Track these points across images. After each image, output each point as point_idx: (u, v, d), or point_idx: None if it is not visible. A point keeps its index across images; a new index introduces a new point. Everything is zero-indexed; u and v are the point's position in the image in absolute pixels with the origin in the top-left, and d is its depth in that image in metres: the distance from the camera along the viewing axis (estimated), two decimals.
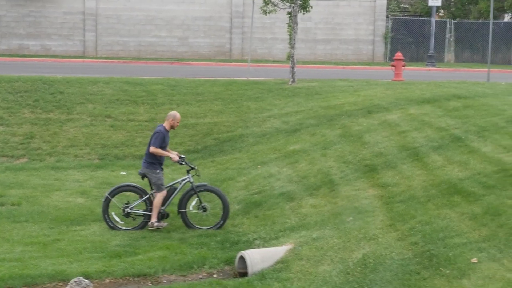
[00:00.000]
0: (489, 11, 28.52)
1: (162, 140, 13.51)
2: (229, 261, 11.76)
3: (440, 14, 51.26)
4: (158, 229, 13.52)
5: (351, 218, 12.11)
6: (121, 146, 20.53)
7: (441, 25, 43.63)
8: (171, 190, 13.89)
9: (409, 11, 54.34)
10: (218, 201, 13.95)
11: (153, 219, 13.55)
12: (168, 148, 13.94)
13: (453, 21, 44.60)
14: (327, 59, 42.38)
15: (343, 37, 42.94)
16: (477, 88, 22.01)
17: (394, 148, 15.54)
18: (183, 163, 13.88)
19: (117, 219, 13.82)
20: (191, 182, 13.89)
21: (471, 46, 44.21)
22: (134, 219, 13.86)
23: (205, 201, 14.04)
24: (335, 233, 11.58)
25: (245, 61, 33.30)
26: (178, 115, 13.87)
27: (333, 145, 17.01)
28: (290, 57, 25.78)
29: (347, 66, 38.61)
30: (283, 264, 11.02)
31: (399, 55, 27.79)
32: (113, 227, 13.68)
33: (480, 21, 44.73)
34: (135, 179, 15.44)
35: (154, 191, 13.76)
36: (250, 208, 14.51)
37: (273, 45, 42.13)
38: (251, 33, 30.65)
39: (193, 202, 13.93)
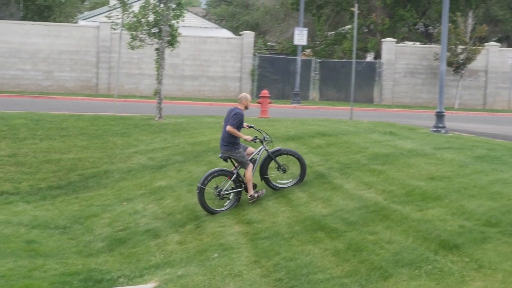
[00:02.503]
0: (352, 51, 29.36)
1: (241, 121, 14.58)
2: None
3: (306, 53, 52.42)
4: (258, 198, 14.50)
5: (216, 255, 12.07)
6: None
7: (306, 64, 44.60)
8: (252, 163, 14.82)
9: (276, 49, 55.38)
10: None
11: (250, 192, 14.52)
12: None
13: (318, 60, 45.69)
14: (194, 95, 42.49)
15: (210, 73, 43.21)
16: (340, 125, 22.52)
17: (259, 185, 15.63)
18: (257, 140, 14.96)
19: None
20: (267, 150, 15.02)
21: (335, 85, 45.35)
22: (228, 199, 14.75)
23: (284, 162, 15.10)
24: (201, 270, 11.50)
25: (112, 96, 32.95)
26: (249, 96, 15.14)
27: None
28: (157, 92, 25.67)
29: (214, 102, 38.81)
30: None
31: (265, 92, 28.15)
32: (214, 212, 14.55)
33: (344, 60, 46.02)
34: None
35: (237, 168, 14.68)
36: (115, 245, 14.25)
37: (140, 80, 41.89)
38: (118, 68, 30.35)
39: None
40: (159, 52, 25.61)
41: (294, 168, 15.26)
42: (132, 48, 25.53)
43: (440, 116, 22.09)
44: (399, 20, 47.48)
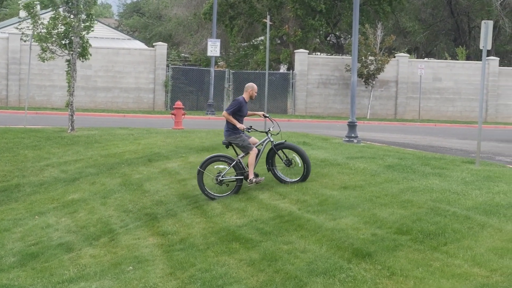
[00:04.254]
0: (265, 62, 29.56)
1: (237, 108, 14.68)
2: None
3: (220, 64, 52.61)
4: (257, 184, 14.65)
5: (131, 267, 11.95)
6: None
7: (220, 75, 44.70)
8: None
9: (189, 61, 55.38)
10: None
11: (251, 176, 14.60)
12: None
13: (231, 71, 45.85)
14: (108, 107, 42.07)
15: (123, 85, 42.86)
16: (254, 136, 22.59)
17: (174, 196, 15.60)
18: (250, 130, 15.01)
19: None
20: (272, 142, 15.01)
21: None
22: (227, 185, 14.86)
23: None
24: (115, 284, 11.37)
25: (23, 108, 32.34)
26: (255, 86, 15.12)
27: (113, 194, 16.80)
28: (69, 104, 25.33)
29: (128, 114, 38.50)
30: None
31: (179, 103, 28.10)
32: (212, 197, 14.76)
33: (257, 71, 46.30)
34: None
35: (241, 156, 14.85)
36: (27, 260, 13.95)
37: (52, 92, 41.24)
38: (28, 79, 29.82)
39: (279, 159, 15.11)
40: (70, 63, 25.29)
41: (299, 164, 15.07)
42: (43, 60, 25.17)
43: (352, 126, 22.41)
44: (310, 30, 48.04)
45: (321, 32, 50.24)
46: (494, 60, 47.36)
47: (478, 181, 13.38)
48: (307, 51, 46.05)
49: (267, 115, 15.64)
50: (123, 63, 42.87)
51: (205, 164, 14.92)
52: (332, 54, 53.07)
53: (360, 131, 24.02)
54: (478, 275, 8.86)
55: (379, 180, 14.15)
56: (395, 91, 46.24)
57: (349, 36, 49.68)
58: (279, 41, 51.17)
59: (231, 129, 14.81)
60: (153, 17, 70.04)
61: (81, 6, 25.19)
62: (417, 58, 58.82)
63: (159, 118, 36.89)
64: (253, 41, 54.31)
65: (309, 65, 45.05)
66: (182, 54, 58.63)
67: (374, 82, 44.52)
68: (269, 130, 15.23)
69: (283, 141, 15.36)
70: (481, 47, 15.99)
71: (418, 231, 10.51)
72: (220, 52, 44.57)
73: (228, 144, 14.99)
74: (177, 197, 15.48)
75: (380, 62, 43.55)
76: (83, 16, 25.32)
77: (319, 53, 52.70)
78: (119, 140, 23.10)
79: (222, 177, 14.84)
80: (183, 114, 28.02)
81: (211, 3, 46.13)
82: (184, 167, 18.03)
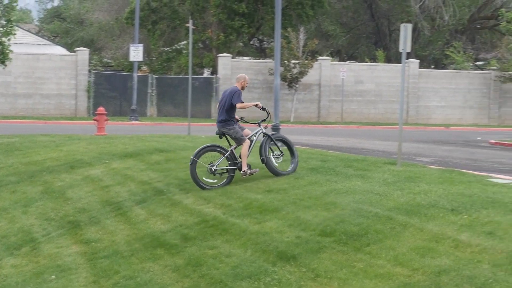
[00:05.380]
0: (188, 67, 29.48)
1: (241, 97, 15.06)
2: None
3: (143, 69, 52.26)
4: (251, 175, 14.83)
5: (53, 276, 11.75)
6: None
7: (143, 80, 44.41)
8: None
9: (112, 66, 54.86)
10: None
11: (244, 167, 14.82)
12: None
13: (154, 76, 45.59)
14: (28, 114, 41.36)
15: (44, 91, 42.21)
16: (178, 141, 22.54)
17: (97, 203, 15.41)
18: (240, 120, 15.50)
19: (207, 179, 14.89)
20: (264, 132, 15.40)
21: (173, 100, 45.37)
22: (220, 175, 14.90)
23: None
24: None
25: None
26: (247, 76, 15.73)
27: (34, 202, 16.49)
28: None
29: (49, 121, 37.91)
30: None
31: (101, 109, 27.77)
32: (204, 187, 14.70)
33: (181, 76, 46.14)
34: None
35: (233, 146, 15.03)
36: None
37: None
38: None
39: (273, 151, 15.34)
40: None
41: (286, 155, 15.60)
42: None
43: (276, 130, 22.48)
44: (233, 33, 48.09)
45: (244, 36, 50.38)
46: (414, 62, 48.25)
47: (400, 182, 13.58)
48: (231, 55, 46.12)
49: (263, 106, 15.65)
50: (44, 69, 42.22)
51: (200, 153, 14.84)
52: (255, 58, 53.29)
53: (284, 134, 24.12)
54: (401, 275, 8.98)
55: (302, 183, 14.24)
56: (318, 94, 46.68)
57: (272, 40, 49.89)
58: (202, 46, 51.12)
59: (225, 121, 15.03)
60: (75, 22, 69.14)
61: (0, 12, 24.70)
62: (339, 61, 59.52)
63: (82, 124, 36.42)
64: (176, 45, 54.11)
65: (233, 69, 45.11)
66: (105, 59, 58.08)
67: (297, 86, 44.84)
68: (261, 121, 15.61)
69: (275, 132, 16.23)
70: (400, 50, 16.24)
71: (342, 232, 10.60)
72: (143, 57, 44.29)
73: (222, 134, 15.17)
74: (101, 204, 15.30)
75: (303, 65, 43.89)
76: (3, 22, 24.84)
77: (242, 57, 52.82)
78: (41, 148, 22.69)
79: (216, 167, 14.88)
80: (106, 120, 27.71)
81: (133, 7, 45.82)
82: (107, 174, 17.83)
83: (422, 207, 11.24)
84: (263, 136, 15.44)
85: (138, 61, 42.13)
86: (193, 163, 14.70)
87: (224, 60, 45.20)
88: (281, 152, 15.43)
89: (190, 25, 29.09)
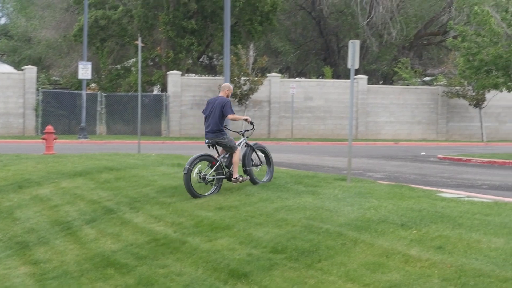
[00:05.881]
0: (138, 84, 29.35)
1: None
2: None
3: (92, 87, 51.91)
4: (242, 182, 15.37)
5: None
6: None
7: (92, 98, 44.09)
8: None
9: (60, 84, 54.36)
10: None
11: (235, 174, 15.23)
12: None
13: (104, 93, 45.29)
14: None
15: None
16: (128, 159, 22.38)
17: (46, 223, 15.21)
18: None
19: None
20: (247, 143, 15.78)
21: (122, 118, 45.12)
22: (211, 184, 15.20)
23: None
24: None
25: None
26: (231, 86, 16.15)
27: None
28: None
29: None
30: None
31: (50, 128, 27.47)
32: (197, 195, 14.93)
33: (130, 93, 45.91)
34: None
35: (222, 156, 15.40)
36: None
37: None
38: None
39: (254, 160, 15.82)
40: None
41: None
42: None
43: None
44: (182, 51, 48.08)
45: (193, 53, 50.37)
46: (363, 78, 48.71)
47: (350, 197, 13.65)
48: (180, 73, 46.07)
49: (251, 120, 15.89)
50: None
51: (194, 162, 15.03)
52: (205, 75, 53.29)
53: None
54: None
55: (253, 199, 14.22)
56: (268, 110, 46.82)
57: (222, 56, 50.00)
58: (151, 63, 51.00)
59: (219, 131, 15.22)
60: (22, 40, 68.34)
61: None
62: (289, 77, 59.82)
63: (30, 143, 35.98)
64: (125, 63, 53.87)
65: (183, 86, 45.05)
66: (53, 77, 57.52)
67: (247, 102, 44.93)
68: (245, 131, 15.92)
69: (255, 142, 16.56)
70: (349, 66, 16.37)
71: (293, 249, 10.61)
72: (92, 75, 43.99)
73: (214, 144, 15.37)
74: (50, 224, 15.10)
75: (253, 82, 44.01)
76: None
77: (192, 74, 52.79)
78: None
79: (208, 176, 15.12)
80: (55, 139, 27.42)
81: (81, 25, 45.52)
82: (56, 193, 17.62)
83: (373, 223, 11.31)
84: (245, 146, 15.83)
85: (87, 79, 41.83)
86: (188, 172, 14.91)
87: (174, 77, 45.12)
88: (261, 162, 15.97)
89: (139, 42, 28.98)
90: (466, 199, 13.89)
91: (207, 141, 15.39)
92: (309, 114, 47.73)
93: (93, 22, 48.74)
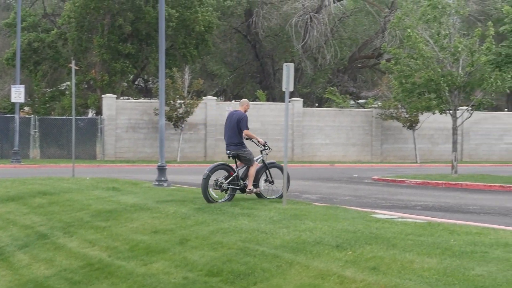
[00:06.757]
0: (72, 107, 29.03)
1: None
2: None
3: (25, 110, 51.23)
4: (256, 193, 16.62)
5: None
6: None
7: (25, 121, 43.47)
8: None
9: None
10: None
11: (250, 186, 16.44)
12: None
13: (37, 117, 44.69)
14: None
15: None
16: (62, 184, 22.11)
17: None
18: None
19: (213, 194, 16.28)
20: (263, 161, 16.92)
21: (57, 142, 44.53)
22: (225, 192, 16.29)
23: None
24: None
25: None
26: (249, 102, 17.25)
27: None
28: None
29: None
30: None
31: None
32: (211, 201, 16.10)
33: (65, 117, 45.40)
34: None
35: (239, 168, 16.46)
36: None
37: None
38: None
39: (264, 177, 16.96)
40: None
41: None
42: None
43: (162, 170, 22.38)
44: (117, 74, 47.82)
45: (129, 76, 50.11)
46: (298, 101, 49.07)
47: (286, 219, 13.70)
48: (115, 96, 45.75)
49: (264, 142, 17.17)
50: None
51: (214, 169, 16.19)
52: (140, 98, 53.03)
53: (170, 174, 24.05)
54: None
55: (189, 223, 14.17)
56: (204, 133, 46.79)
57: (157, 79, 49.90)
58: (86, 86, 50.56)
59: (240, 144, 16.41)
60: None
61: None
62: (225, 100, 59.93)
63: None
64: (59, 86, 53.29)
65: (118, 110, 44.74)
66: None
67: (183, 125, 44.82)
68: (264, 149, 17.01)
69: (273, 161, 17.59)
70: (284, 89, 16.47)
71: (229, 272, 10.59)
72: (25, 98, 43.39)
73: (235, 156, 16.50)
74: None
75: (188, 105, 43.94)
76: None
77: (127, 97, 52.50)
78: None
79: (225, 184, 16.19)
80: None
81: (14, 49, 44.92)
82: None
83: (308, 244, 11.35)
84: (261, 162, 16.99)
85: (20, 102, 41.23)
86: (207, 178, 16.04)
87: (109, 100, 44.79)
88: (272, 180, 17.09)
89: (72, 65, 28.71)
90: (400, 220, 14.06)
91: (228, 152, 16.52)
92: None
93: (26, 45, 48.17)
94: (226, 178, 16.30)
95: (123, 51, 47.07)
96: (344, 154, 49.78)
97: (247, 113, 16.86)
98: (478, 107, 32.61)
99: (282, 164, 17.07)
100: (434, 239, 11.10)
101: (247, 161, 16.55)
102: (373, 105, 51.48)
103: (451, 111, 31.72)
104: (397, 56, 32.25)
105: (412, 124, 48.38)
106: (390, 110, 48.36)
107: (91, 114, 51.27)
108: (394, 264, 9.82)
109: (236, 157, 16.57)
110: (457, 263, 9.48)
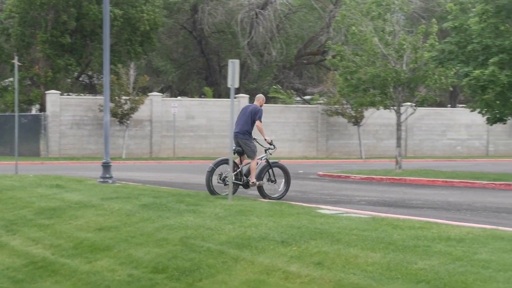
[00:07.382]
0: (15, 104, 28.64)
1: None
2: None
3: None
4: (258, 186, 17.25)
5: None
6: None
7: None
8: None
9: None
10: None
11: (253, 179, 17.18)
12: None
13: None
14: None
15: None
16: (4, 181, 21.79)
17: None
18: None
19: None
20: (267, 160, 17.63)
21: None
22: (227, 185, 16.53)
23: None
24: None
25: None
26: (264, 97, 18.05)
27: None
28: None
29: None
30: None
31: None
32: (215, 193, 16.91)
33: (7, 114, 44.76)
34: None
35: (243, 165, 17.19)
36: None
37: None
38: None
39: (267, 176, 17.64)
40: None
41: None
42: None
43: (106, 167, 22.19)
44: (61, 70, 47.29)
45: (73, 72, 49.59)
46: (244, 97, 49.09)
47: (231, 215, 13.70)
48: (59, 92, 45.24)
49: (271, 141, 17.90)
50: None
51: (219, 163, 16.95)
52: (85, 95, 52.54)
53: (116, 171, 23.87)
54: None
55: (134, 220, 14.09)
56: (150, 130, 46.57)
57: (102, 76, 49.51)
58: (30, 82, 49.88)
59: (248, 133, 17.13)
60: None
61: None
62: (170, 96, 59.71)
63: None
64: (2, 82, 52.51)
65: (62, 106, 44.26)
66: None
67: (128, 122, 44.55)
68: (268, 149, 17.70)
69: (276, 160, 18.33)
70: (229, 85, 16.47)
71: (174, 268, 10.56)
72: None
73: (240, 152, 17.20)
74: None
75: (134, 101, 43.69)
76: None
77: (72, 94, 51.97)
78: None
79: (232, 178, 16.33)
80: None
81: None
82: None
83: (253, 240, 11.38)
84: (265, 162, 17.71)
85: None
86: (211, 171, 16.87)
87: (53, 97, 44.28)
88: (275, 179, 17.78)
89: (15, 61, 28.33)
90: (345, 215, 14.17)
91: (234, 147, 17.13)
92: (191, 133, 47.74)
93: None
94: (230, 172, 16.61)
95: (66, 45, 46.50)
96: (290, 150, 49.98)
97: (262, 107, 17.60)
98: (421, 103, 33.01)
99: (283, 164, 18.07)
100: (378, 234, 11.21)
101: (250, 153, 17.20)
102: (318, 101, 51.76)
103: (395, 107, 32.08)
104: (341, 53, 32.49)
105: (357, 120, 48.80)
106: (336, 106, 48.71)
107: (34, 110, 50.62)
108: (339, 259, 9.89)
109: (240, 153, 17.19)
110: (400, 257, 9.59)
